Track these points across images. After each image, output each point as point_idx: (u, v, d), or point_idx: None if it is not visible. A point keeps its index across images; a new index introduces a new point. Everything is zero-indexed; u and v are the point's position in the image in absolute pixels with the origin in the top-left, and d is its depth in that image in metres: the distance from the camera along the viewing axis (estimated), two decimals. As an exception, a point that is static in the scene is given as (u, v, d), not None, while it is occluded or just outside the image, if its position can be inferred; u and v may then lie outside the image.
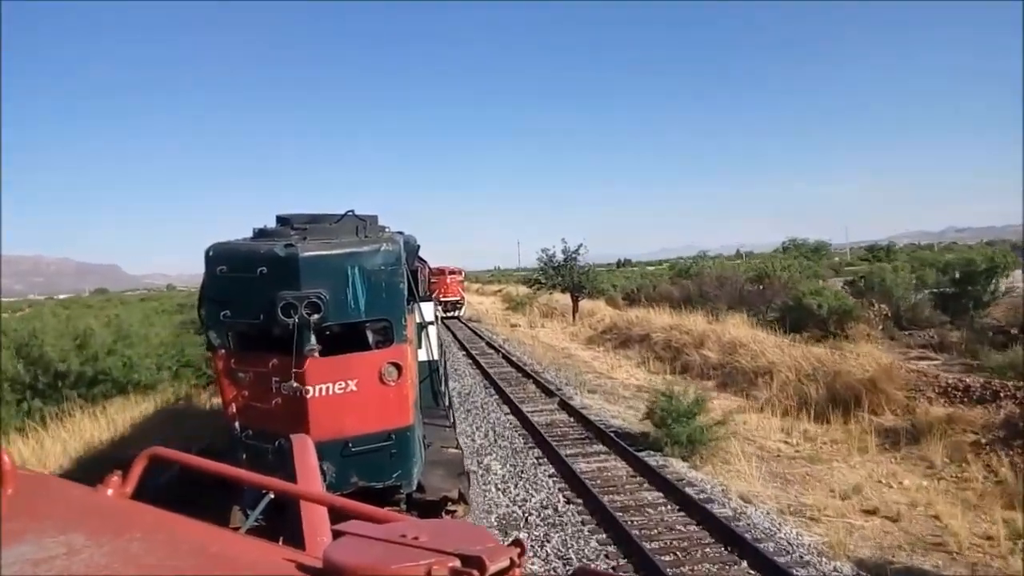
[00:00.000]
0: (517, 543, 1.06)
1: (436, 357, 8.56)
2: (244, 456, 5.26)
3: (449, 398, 9.25)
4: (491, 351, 24.62)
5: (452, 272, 38.56)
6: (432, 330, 8.06)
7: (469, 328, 33.80)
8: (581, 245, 33.91)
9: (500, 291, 66.14)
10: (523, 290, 50.68)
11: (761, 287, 27.64)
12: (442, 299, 34.69)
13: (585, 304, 34.07)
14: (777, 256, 39.02)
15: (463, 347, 25.83)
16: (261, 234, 5.64)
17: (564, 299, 36.62)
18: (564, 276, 33.98)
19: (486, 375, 19.11)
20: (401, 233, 6.23)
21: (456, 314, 38.51)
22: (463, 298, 40.34)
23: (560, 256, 34.09)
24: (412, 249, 6.32)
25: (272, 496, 1.62)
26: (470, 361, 22.60)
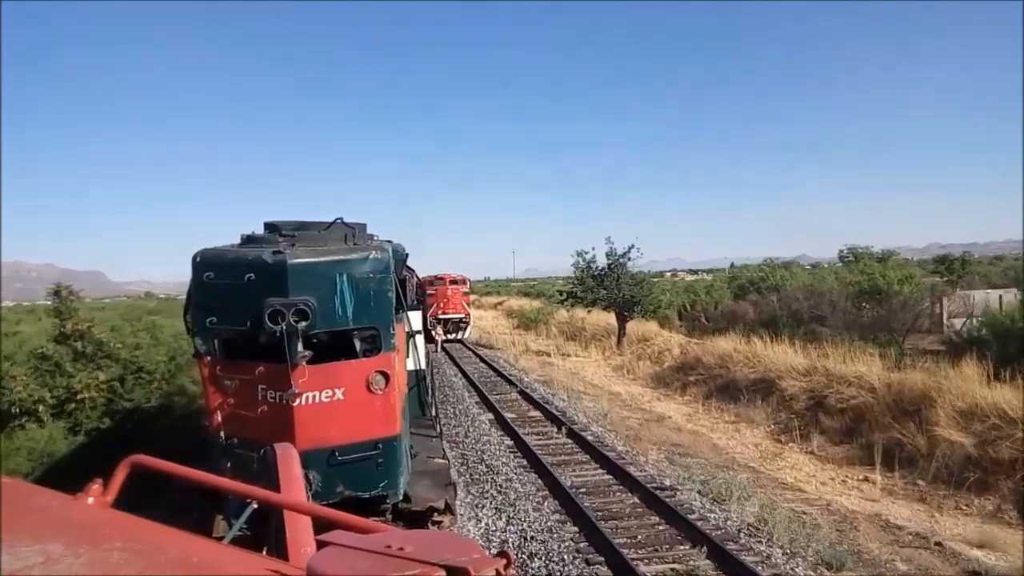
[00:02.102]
0: (503, 554, 1.05)
1: (424, 366, 8.56)
2: (228, 464, 5.20)
3: (436, 407, 9.22)
4: (535, 412, 14.76)
5: (454, 281, 28.91)
6: (420, 339, 8.07)
7: (480, 358, 24.49)
8: (632, 247, 25.11)
9: (501, 304, 58.62)
10: (533, 304, 46.00)
11: (888, 308, 21.18)
12: (441, 316, 27.91)
13: (631, 326, 26.07)
14: (874, 265, 30.49)
15: (483, 399, 16.19)
16: (249, 240, 5.61)
17: (595, 316, 29.28)
18: (609, 288, 25.09)
19: (558, 492, 9.18)
20: (390, 242, 6.23)
21: (460, 336, 29.38)
22: (468, 315, 30.38)
23: (603, 261, 25.54)
24: (400, 258, 6.34)
25: (256, 505, 1.61)
26: (505, 435, 12.71)
